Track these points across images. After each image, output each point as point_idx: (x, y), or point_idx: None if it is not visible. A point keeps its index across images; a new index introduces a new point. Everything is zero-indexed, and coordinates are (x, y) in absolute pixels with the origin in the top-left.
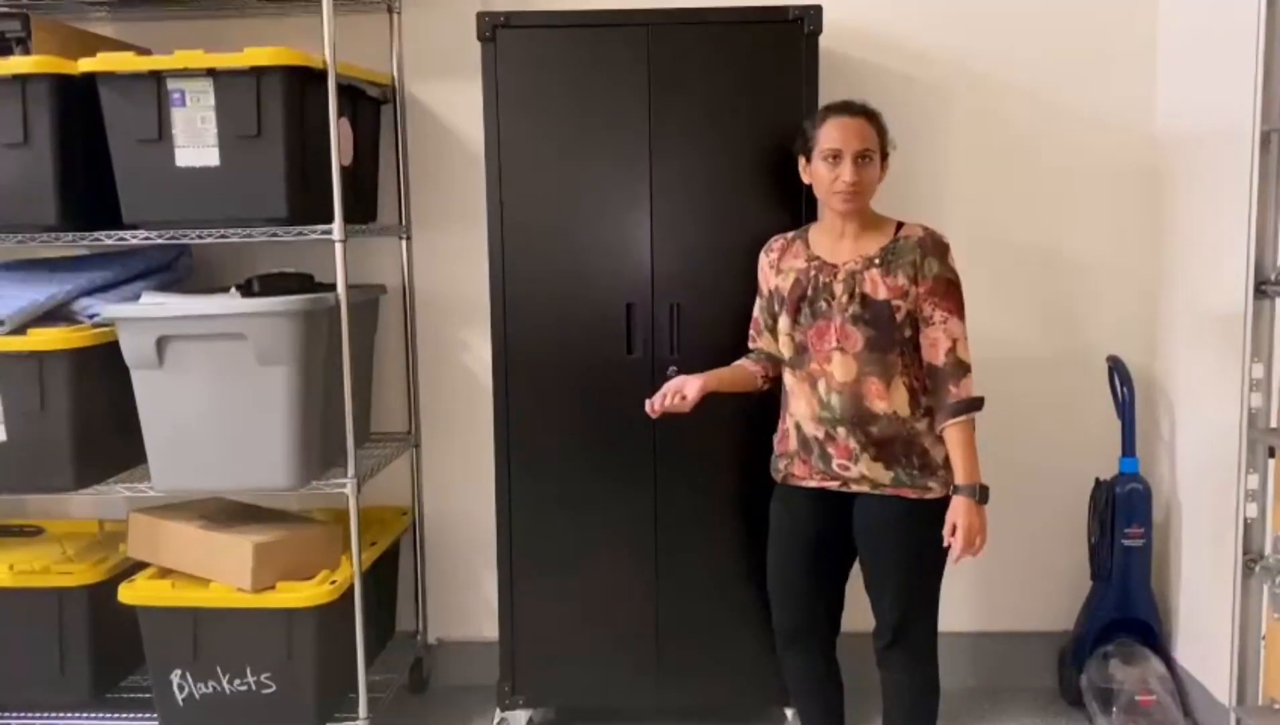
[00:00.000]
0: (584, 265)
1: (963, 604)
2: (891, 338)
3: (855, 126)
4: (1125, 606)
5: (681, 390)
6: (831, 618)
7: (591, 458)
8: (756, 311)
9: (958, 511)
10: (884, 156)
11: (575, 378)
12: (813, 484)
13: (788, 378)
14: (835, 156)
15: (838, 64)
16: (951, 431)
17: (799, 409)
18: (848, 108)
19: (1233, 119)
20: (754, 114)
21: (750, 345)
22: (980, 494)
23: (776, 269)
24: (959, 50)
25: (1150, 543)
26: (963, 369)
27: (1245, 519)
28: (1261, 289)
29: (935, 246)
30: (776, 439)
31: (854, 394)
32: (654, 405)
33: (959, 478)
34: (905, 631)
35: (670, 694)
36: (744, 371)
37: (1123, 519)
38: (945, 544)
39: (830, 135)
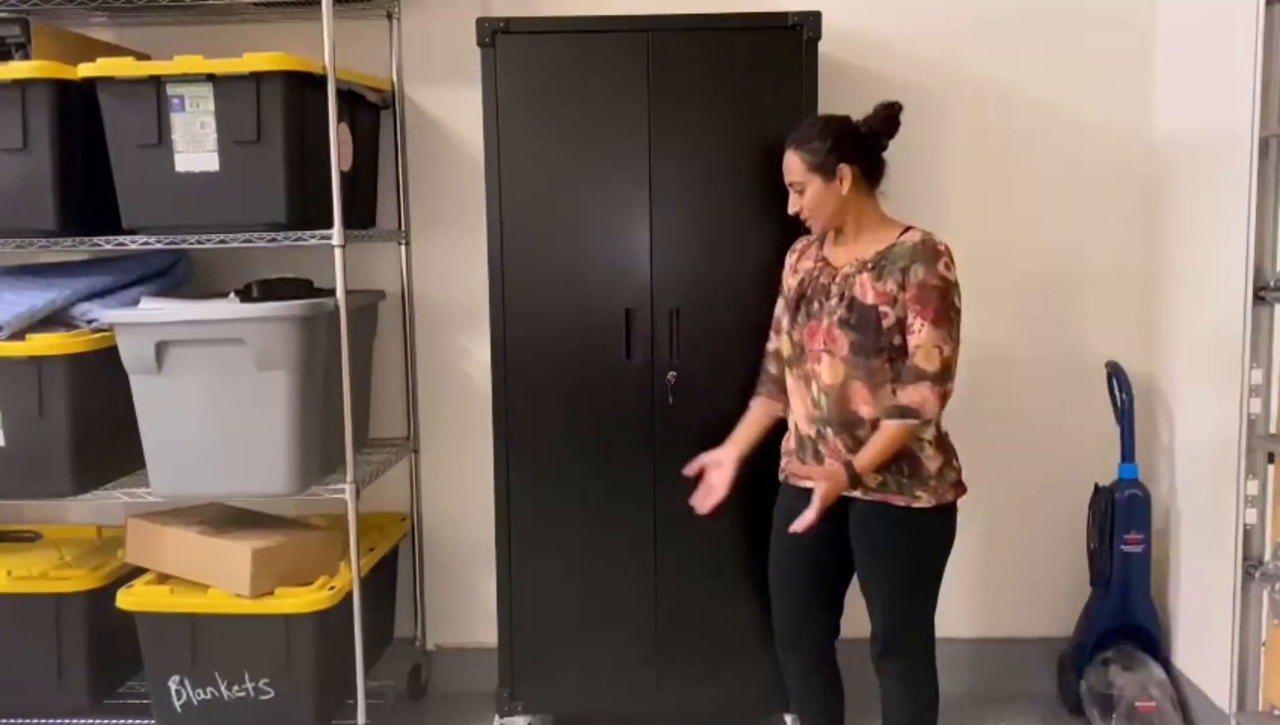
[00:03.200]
0: (583, 271)
1: (962, 610)
2: (877, 343)
3: (786, 160)
4: (1125, 613)
5: (718, 461)
6: (831, 621)
7: (591, 463)
8: (778, 311)
9: (830, 473)
10: (828, 177)
11: (574, 384)
12: (811, 485)
13: (788, 377)
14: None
15: (837, 70)
16: (882, 425)
17: (796, 408)
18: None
19: (1231, 125)
20: (753, 120)
21: (768, 346)
22: (851, 479)
23: (794, 269)
24: (958, 57)
25: (1150, 549)
26: (916, 374)
27: (1245, 525)
28: (1260, 295)
29: (926, 252)
30: (785, 438)
31: (840, 397)
32: (700, 503)
33: (856, 459)
34: (898, 638)
35: (670, 699)
36: (762, 416)
37: (1122, 525)
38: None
39: None
